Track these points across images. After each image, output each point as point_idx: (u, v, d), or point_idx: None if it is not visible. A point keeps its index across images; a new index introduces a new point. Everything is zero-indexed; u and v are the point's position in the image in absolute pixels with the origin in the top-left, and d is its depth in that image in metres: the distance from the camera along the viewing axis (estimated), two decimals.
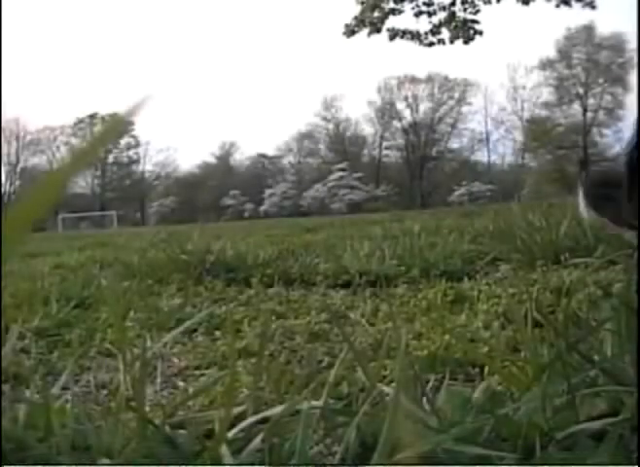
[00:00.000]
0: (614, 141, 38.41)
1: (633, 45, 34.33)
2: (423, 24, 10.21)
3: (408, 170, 37.49)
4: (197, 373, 0.74)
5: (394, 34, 10.21)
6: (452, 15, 10.14)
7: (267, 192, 40.98)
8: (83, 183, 42.90)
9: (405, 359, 0.43)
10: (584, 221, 1.74)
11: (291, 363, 0.75)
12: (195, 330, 0.95)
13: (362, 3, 9.95)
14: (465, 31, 10.15)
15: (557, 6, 9.87)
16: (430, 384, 0.59)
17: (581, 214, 1.42)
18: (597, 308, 0.85)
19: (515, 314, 0.59)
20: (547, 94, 40.64)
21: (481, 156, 40.83)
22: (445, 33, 10.24)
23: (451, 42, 10.28)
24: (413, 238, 2.11)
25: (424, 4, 10.11)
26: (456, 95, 38.37)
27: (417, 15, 10.18)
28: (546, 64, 40.26)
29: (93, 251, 2.92)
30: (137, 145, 44.47)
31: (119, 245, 3.53)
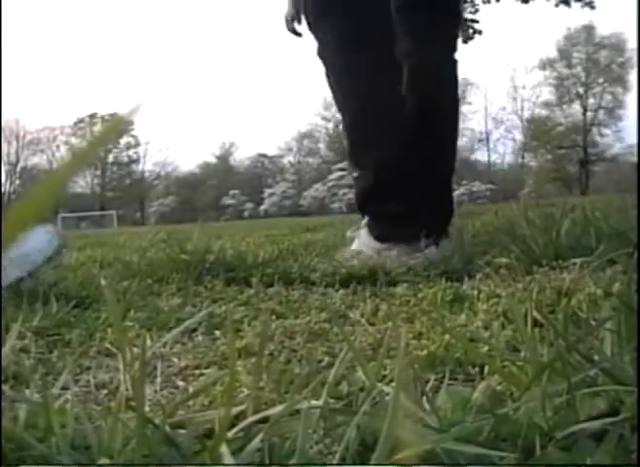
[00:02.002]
0: (614, 141, 38.43)
1: (633, 44, 34.41)
2: None
3: None
4: (197, 372, 0.74)
5: None
6: None
7: (267, 191, 40.98)
8: (83, 183, 42.89)
9: (404, 359, 0.43)
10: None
11: (291, 362, 0.75)
12: (195, 329, 0.95)
13: None
14: (464, 30, 10.16)
15: (557, 5, 9.87)
16: (430, 384, 0.59)
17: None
18: (597, 308, 0.85)
19: (514, 314, 0.59)
20: (547, 94, 40.64)
21: (481, 155, 40.87)
22: None
23: None
24: None
25: None
26: None
27: None
28: (546, 64, 40.27)
29: (93, 250, 2.92)
30: (137, 145, 44.46)
31: (118, 245, 3.53)
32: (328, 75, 1.84)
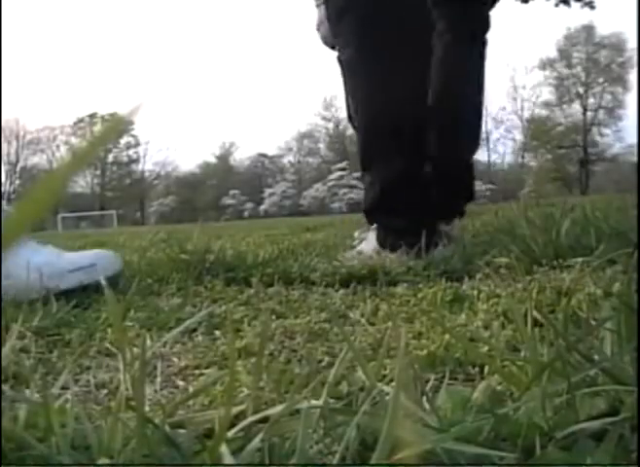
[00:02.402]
0: (614, 141, 38.46)
1: (633, 44, 34.43)
2: None
3: None
4: (197, 372, 0.74)
5: None
6: None
7: (267, 191, 40.99)
8: (83, 182, 42.89)
9: (404, 358, 0.43)
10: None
11: (291, 362, 0.75)
12: (195, 329, 0.95)
13: None
14: None
15: (557, 5, 9.87)
16: (430, 384, 0.59)
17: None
18: (597, 308, 0.85)
19: (514, 314, 0.59)
20: (547, 94, 40.65)
21: (481, 155, 40.94)
22: None
23: None
24: None
25: None
26: None
27: None
28: (546, 64, 40.29)
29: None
30: (137, 144, 44.46)
31: (118, 244, 3.53)
32: (345, 80, 1.83)
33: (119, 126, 0.17)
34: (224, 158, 45.97)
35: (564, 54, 38.79)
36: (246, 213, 38.82)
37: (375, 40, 1.74)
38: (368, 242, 1.81)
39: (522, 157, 41.21)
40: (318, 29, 2.08)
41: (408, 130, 1.72)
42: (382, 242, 1.74)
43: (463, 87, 1.82)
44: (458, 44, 1.78)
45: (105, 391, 0.67)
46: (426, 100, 1.75)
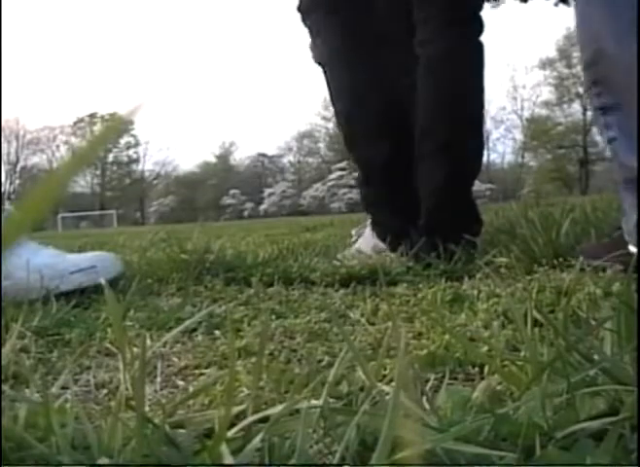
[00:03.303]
0: None
1: None
2: None
3: None
4: (197, 372, 0.74)
5: None
6: None
7: (267, 191, 40.97)
8: (83, 182, 42.89)
9: (404, 358, 0.43)
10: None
11: (291, 362, 0.75)
12: (195, 329, 0.95)
13: None
14: None
15: (556, 5, 9.85)
16: (430, 384, 0.59)
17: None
18: (597, 308, 0.85)
19: (514, 314, 0.59)
20: (546, 94, 40.63)
21: None
22: None
23: None
24: None
25: None
26: None
27: None
28: (545, 63, 40.27)
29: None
30: (137, 144, 44.44)
31: (118, 244, 3.53)
32: (327, 82, 1.81)
33: (119, 126, 0.17)
34: (224, 157, 46.00)
35: (564, 54, 38.78)
36: (246, 213, 38.82)
37: (344, 38, 1.72)
38: (365, 239, 1.82)
39: (522, 157, 41.24)
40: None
41: (383, 126, 1.70)
42: (380, 237, 1.74)
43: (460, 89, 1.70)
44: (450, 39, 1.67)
45: (105, 391, 0.67)
46: (406, 98, 1.69)
